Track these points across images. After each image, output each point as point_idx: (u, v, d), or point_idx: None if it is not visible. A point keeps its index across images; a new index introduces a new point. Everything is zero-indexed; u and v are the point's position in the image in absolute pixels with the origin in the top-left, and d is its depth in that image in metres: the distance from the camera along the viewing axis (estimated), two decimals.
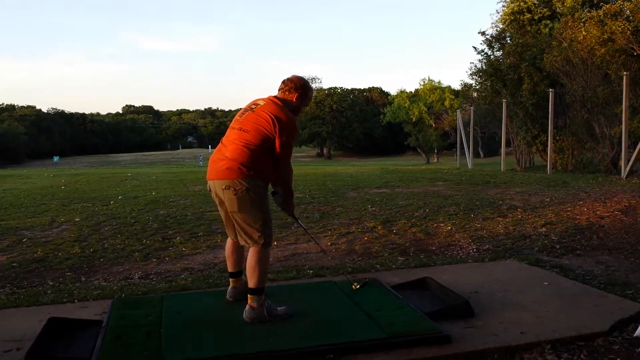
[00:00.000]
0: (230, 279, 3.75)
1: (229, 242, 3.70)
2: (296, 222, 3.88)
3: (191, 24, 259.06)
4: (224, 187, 3.32)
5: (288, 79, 3.51)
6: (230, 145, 3.36)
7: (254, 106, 3.43)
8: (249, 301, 3.33)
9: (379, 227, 6.66)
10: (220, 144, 3.49)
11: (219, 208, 3.59)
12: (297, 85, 3.48)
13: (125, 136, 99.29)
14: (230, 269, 3.73)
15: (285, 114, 3.33)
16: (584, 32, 14.75)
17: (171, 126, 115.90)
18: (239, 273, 3.71)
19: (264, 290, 3.37)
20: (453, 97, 47.24)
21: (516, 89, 17.42)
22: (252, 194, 3.29)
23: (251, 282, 3.33)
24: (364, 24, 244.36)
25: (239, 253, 3.68)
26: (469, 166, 20.08)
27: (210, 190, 3.51)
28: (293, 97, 3.47)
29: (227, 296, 3.72)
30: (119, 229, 6.91)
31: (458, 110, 26.33)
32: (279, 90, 3.52)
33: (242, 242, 3.44)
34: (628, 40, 13.56)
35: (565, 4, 21.40)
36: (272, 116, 3.29)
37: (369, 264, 4.91)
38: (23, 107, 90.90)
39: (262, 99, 3.47)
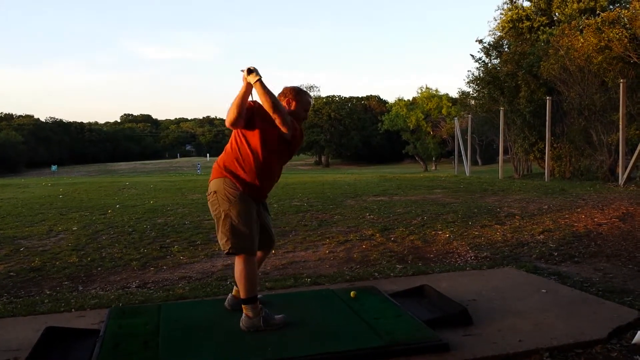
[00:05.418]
0: (235, 287, 3.70)
1: None
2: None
3: (190, 32, 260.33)
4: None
5: (280, 92, 3.49)
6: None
7: None
8: (244, 310, 3.32)
9: (377, 234, 6.66)
10: None
11: None
12: (289, 95, 3.47)
13: (124, 145, 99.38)
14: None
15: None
16: (581, 40, 14.81)
17: (169, 135, 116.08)
18: None
19: (256, 299, 3.34)
20: (450, 105, 47.33)
21: (514, 96, 17.46)
22: (224, 196, 3.29)
23: (240, 293, 3.32)
24: (363, 32, 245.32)
25: None
26: (467, 174, 20.08)
27: None
28: (291, 106, 3.45)
29: (226, 304, 3.71)
30: (116, 237, 6.90)
31: (456, 118, 26.35)
32: None
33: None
34: (625, 48, 13.62)
35: (565, 11, 21.50)
36: None
37: (367, 271, 4.90)
38: (21, 116, 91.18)
39: None
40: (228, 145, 3.40)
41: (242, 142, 3.32)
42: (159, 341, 3.13)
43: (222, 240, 3.32)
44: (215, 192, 3.32)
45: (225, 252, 3.32)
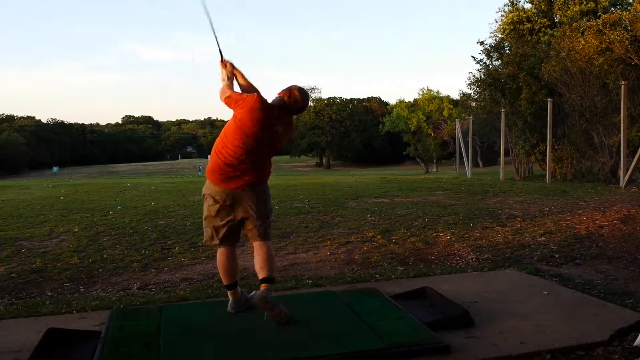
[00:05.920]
0: (229, 292, 3.69)
1: (223, 253, 3.66)
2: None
3: (191, 34, 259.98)
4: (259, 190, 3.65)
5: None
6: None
7: None
8: (265, 287, 3.43)
9: (378, 236, 6.65)
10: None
11: (223, 214, 3.61)
12: (289, 90, 3.63)
13: (125, 146, 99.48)
14: (226, 281, 3.66)
15: None
16: (582, 42, 14.82)
17: (170, 136, 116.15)
18: (235, 284, 3.69)
19: None
20: (452, 106, 47.38)
21: (515, 98, 17.46)
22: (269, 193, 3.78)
23: (272, 271, 3.51)
24: (363, 33, 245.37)
25: (234, 264, 3.67)
26: (468, 175, 20.07)
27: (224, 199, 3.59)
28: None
29: (229, 309, 3.67)
30: (117, 239, 6.90)
31: (457, 119, 26.37)
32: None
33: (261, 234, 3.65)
34: (626, 50, 13.61)
35: (566, 13, 21.51)
36: None
37: (369, 273, 4.90)
38: (23, 117, 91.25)
39: None
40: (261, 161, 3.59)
41: (267, 152, 3.61)
42: (160, 343, 3.13)
43: (268, 229, 3.67)
44: (267, 190, 3.74)
45: (270, 239, 3.66)
